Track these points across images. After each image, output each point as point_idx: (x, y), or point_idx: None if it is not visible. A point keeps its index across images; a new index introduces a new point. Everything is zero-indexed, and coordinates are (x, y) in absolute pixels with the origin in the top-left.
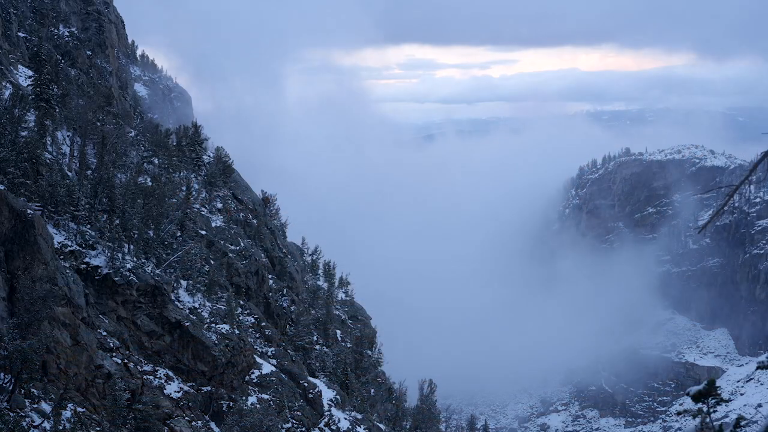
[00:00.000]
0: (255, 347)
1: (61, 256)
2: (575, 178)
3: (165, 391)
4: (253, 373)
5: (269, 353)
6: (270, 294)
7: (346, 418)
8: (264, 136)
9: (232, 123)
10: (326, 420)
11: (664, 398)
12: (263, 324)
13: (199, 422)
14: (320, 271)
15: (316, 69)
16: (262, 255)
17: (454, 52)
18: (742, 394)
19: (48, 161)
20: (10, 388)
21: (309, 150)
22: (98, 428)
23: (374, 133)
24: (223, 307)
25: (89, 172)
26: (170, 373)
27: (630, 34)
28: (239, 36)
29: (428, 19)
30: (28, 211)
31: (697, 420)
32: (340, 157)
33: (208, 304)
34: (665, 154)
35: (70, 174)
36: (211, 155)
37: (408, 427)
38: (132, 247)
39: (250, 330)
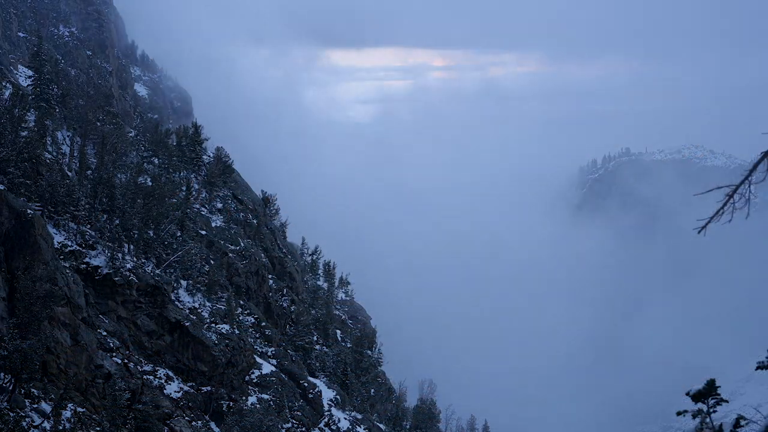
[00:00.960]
0: (255, 347)
1: (61, 256)
2: (574, 178)
3: (165, 391)
4: (253, 373)
5: (269, 353)
6: (270, 294)
7: (346, 418)
8: (254, 136)
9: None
10: (326, 420)
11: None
12: (263, 324)
13: (199, 422)
14: (320, 271)
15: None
16: (262, 255)
17: (440, 54)
18: (742, 394)
19: (48, 161)
20: (10, 388)
21: (300, 145)
22: (98, 428)
23: (346, 132)
24: (223, 307)
25: (89, 172)
26: (170, 373)
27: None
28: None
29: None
30: (28, 211)
31: (697, 420)
32: (323, 155)
33: (208, 304)
34: (665, 153)
35: (70, 174)
36: (211, 155)
37: (408, 427)
38: (132, 247)
39: (250, 330)
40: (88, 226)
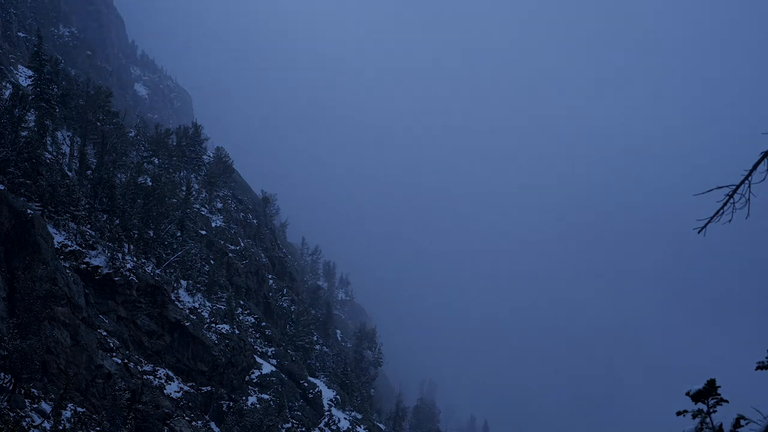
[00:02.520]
0: (255, 347)
1: (61, 256)
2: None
3: (165, 391)
4: (253, 373)
5: (269, 353)
6: (270, 294)
7: (346, 418)
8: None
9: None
10: (326, 420)
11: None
12: (263, 324)
13: (199, 422)
14: (320, 271)
15: None
16: (262, 255)
17: None
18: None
19: (48, 161)
20: (10, 388)
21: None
22: (98, 428)
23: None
24: (223, 307)
25: (89, 172)
26: (170, 373)
27: None
28: None
29: None
30: (28, 211)
31: (697, 420)
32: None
33: (208, 304)
34: None
35: (70, 174)
36: (211, 155)
37: (408, 427)
38: (132, 247)
39: (250, 330)
40: (88, 226)
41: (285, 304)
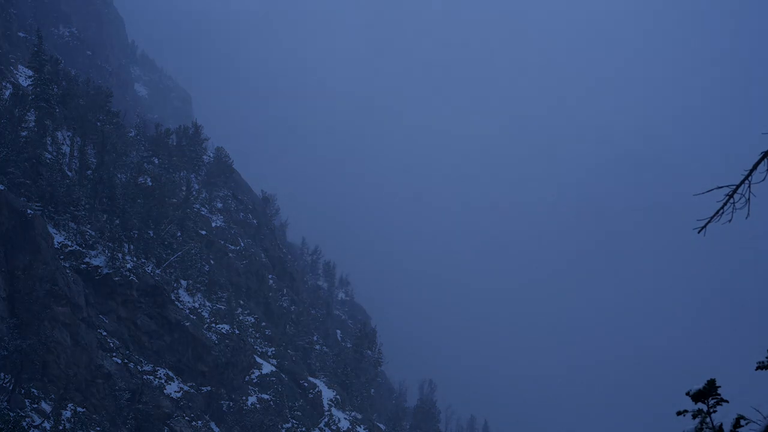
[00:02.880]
0: (255, 347)
1: (61, 256)
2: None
3: (165, 391)
4: (253, 373)
5: (269, 353)
6: (270, 294)
7: (346, 418)
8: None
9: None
10: (326, 420)
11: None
12: (263, 324)
13: (199, 422)
14: (320, 271)
15: None
16: (262, 255)
17: None
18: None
19: (48, 161)
20: (10, 388)
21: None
22: (98, 428)
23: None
24: (223, 307)
25: (89, 172)
26: (170, 373)
27: None
28: None
29: None
30: (28, 211)
31: (697, 420)
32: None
33: (208, 304)
34: None
35: (70, 174)
36: (211, 155)
37: (408, 427)
38: (132, 247)
39: (250, 330)
40: (88, 226)
41: (285, 304)
